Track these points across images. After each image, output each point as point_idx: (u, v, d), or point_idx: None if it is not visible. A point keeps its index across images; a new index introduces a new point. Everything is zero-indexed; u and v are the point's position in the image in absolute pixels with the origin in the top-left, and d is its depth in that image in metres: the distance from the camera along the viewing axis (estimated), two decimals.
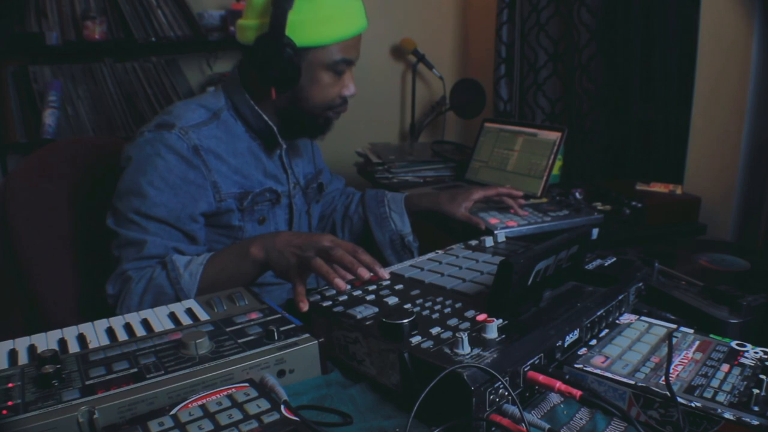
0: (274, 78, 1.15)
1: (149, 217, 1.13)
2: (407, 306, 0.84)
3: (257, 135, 1.27)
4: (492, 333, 0.72)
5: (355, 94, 1.25)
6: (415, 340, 0.72)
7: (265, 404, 0.63)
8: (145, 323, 0.87)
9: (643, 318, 0.88)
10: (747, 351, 0.77)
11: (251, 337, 0.79)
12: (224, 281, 1.05)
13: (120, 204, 1.14)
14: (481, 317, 0.78)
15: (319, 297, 0.90)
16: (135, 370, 0.71)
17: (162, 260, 1.11)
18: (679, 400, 0.66)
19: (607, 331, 0.84)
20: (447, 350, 0.69)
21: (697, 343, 0.80)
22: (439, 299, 0.86)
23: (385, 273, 0.94)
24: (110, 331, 0.84)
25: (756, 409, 0.64)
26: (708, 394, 0.67)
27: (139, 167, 1.14)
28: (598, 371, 0.73)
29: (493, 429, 0.64)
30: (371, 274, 0.93)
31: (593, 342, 0.81)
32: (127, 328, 0.85)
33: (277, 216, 1.32)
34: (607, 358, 0.77)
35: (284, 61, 1.12)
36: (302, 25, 1.12)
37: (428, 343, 0.71)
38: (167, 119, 1.18)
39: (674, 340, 0.80)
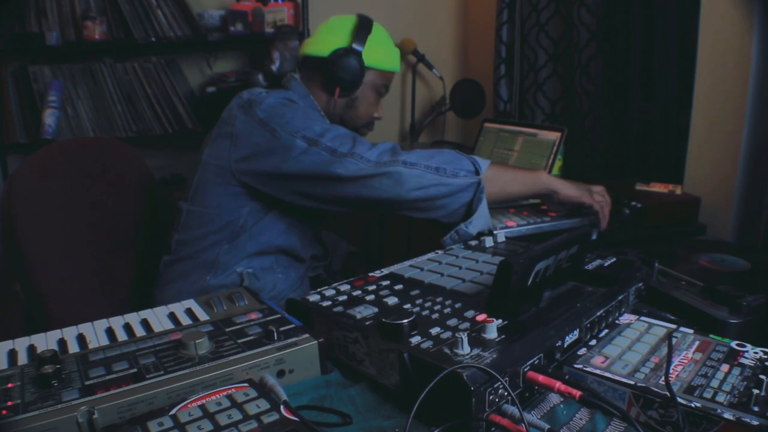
0: (342, 80, 1.39)
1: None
2: (407, 306, 0.84)
3: None
4: (492, 333, 0.72)
5: (381, 117, 1.52)
6: (415, 340, 0.72)
7: (264, 404, 0.63)
8: (145, 323, 0.87)
9: (642, 318, 0.88)
10: (747, 351, 0.77)
11: (251, 338, 0.79)
12: (508, 180, 1.28)
13: (319, 137, 1.24)
14: (481, 317, 0.78)
15: (319, 297, 0.90)
16: (135, 370, 0.71)
17: None
18: (679, 400, 0.66)
19: (606, 331, 0.84)
20: (447, 350, 0.69)
21: (697, 343, 0.80)
22: (438, 299, 0.86)
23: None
24: (110, 332, 0.84)
25: (756, 409, 0.64)
26: (708, 395, 0.67)
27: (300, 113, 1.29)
28: (597, 371, 0.73)
29: (493, 429, 0.64)
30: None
31: (593, 342, 0.81)
32: (127, 328, 0.85)
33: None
34: (606, 358, 0.77)
35: (355, 69, 1.38)
36: (371, 50, 1.40)
37: (428, 343, 0.71)
38: (285, 91, 1.38)
39: (674, 341, 0.80)
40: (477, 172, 1.23)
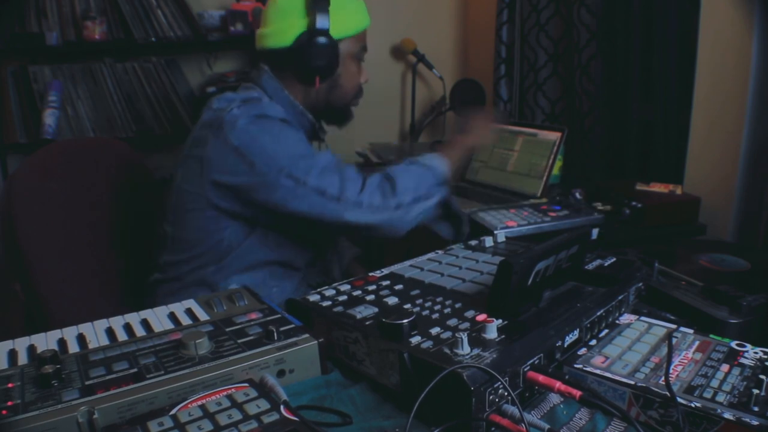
0: (318, 68, 1.25)
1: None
2: (407, 306, 0.84)
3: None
4: (492, 333, 0.72)
5: (368, 80, 1.39)
6: (415, 340, 0.72)
7: (264, 404, 0.63)
8: (145, 323, 0.87)
9: (642, 318, 0.88)
10: (747, 351, 0.77)
11: (251, 337, 0.79)
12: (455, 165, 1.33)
13: (300, 173, 1.16)
14: (481, 317, 0.78)
15: (319, 297, 0.90)
16: (135, 370, 0.71)
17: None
18: (679, 400, 0.66)
19: (606, 331, 0.84)
20: (447, 350, 0.69)
21: (697, 343, 0.80)
22: (438, 299, 0.86)
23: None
24: (110, 331, 0.84)
25: (756, 409, 0.64)
26: (708, 394, 0.67)
27: (276, 138, 1.19)
28: (597, 371, 0.73)
29: (493, 429, 0.64)
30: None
31: (593, 342, 0.81)
32: (127, 328, 0.85)
33: None
34: (606, 358, 0.77)
35: (328, 50, 1.24)
36: (336, 19, 1.23)
37: (428, 343, 0.71)
38: (257, 104, 1.24)
39: (674, 341, 0.80)
40: (444, 181, 1.28)
